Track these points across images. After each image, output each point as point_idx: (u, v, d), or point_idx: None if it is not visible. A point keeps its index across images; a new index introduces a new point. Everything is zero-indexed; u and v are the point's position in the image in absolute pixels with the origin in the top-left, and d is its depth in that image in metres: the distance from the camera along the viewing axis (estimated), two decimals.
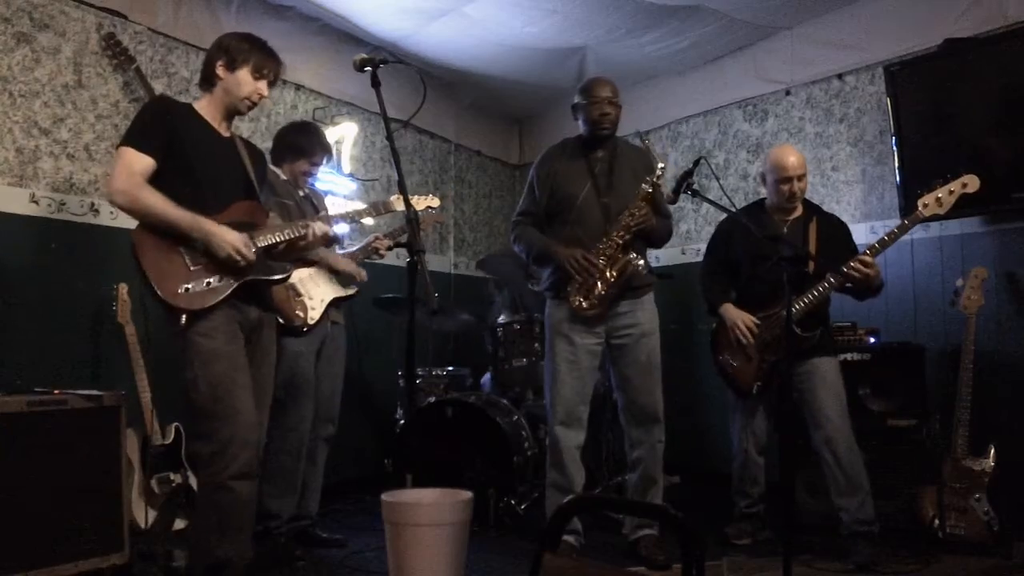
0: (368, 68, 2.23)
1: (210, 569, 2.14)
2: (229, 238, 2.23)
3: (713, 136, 4.71)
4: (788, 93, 4.33)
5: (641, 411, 2.98)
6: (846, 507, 2.89)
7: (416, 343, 2.20)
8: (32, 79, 3.10)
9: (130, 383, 2.96)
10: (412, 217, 2.20)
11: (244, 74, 2.34)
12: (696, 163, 2.72)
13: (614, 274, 2.87)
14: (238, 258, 2.23)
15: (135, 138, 2.22)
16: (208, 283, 2.22)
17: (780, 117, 4.38)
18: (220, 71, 2.34)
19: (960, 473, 2.94)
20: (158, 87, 3.45)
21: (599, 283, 2.87)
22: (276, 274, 2.41)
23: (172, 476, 2.98)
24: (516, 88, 5.03)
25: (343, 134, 4.42)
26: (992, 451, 2.93)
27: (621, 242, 2.86)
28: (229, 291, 2.24)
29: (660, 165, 2.87)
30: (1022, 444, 3.04)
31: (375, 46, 4.29)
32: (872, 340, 3.41)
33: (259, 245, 2.33)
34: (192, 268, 2.21)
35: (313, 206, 3.20)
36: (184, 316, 2.16)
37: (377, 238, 3.36)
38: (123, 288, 3.07)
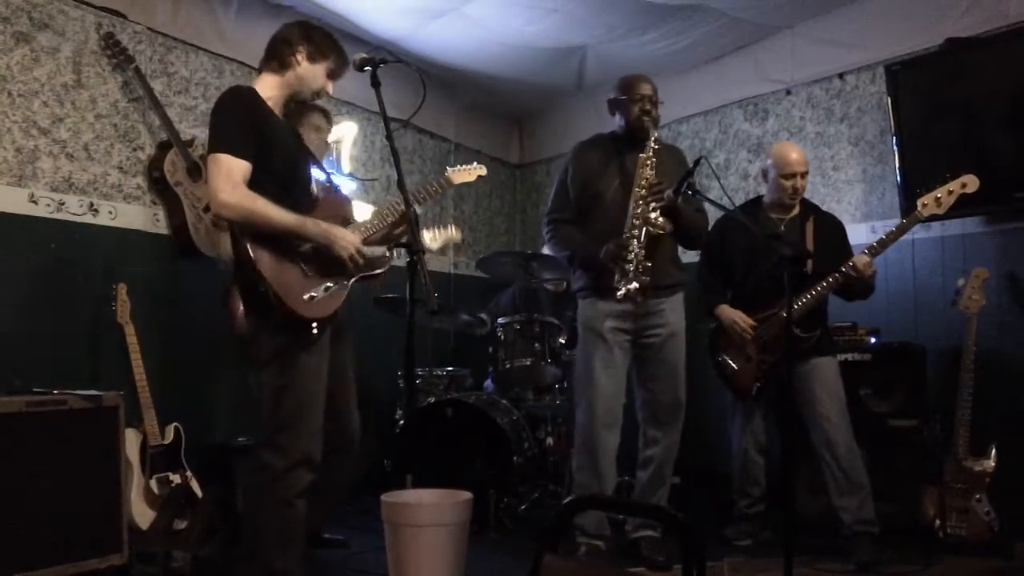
0: (368, 68, 2.23)
1: None
2: (350, 239, 2.16)
3: (714, 136, 4.70)
4: (789, 92, 4.32)
5: (663, 410, 2.97)
6: (847, 507, 2.89)
7: (416, 343, 2.20)
8: (31, 79, 3.09)
9: (130, 383, 2.96)
10: (412, 217, 2.19)
11: (321, 69, 2.29)
12: (697, 163, 2.71)
13: (643, 247, 2.68)
14: (360, 259, 2.17)
15: (230, 142, 2.07)
16: (327, 287, 2.13)
17: (781, 117, 4.37)
18: (300, 58, 2.26)
19: (961, 473, 2.93)
20: (157, 87, 3.45)
21: (634, 261, 2.66)
22: (381, 267, 2.33)
23: (171, 476, 2.98)
24: (516, 87, 5.02)
25: (343, 134, 4.41)
26: (993, 451, 2.92)
27: (641, 213, 2.69)
28: (346, 293, 2.17)
29: (654, 135, 2.79)
30: (1023, 444, 3.03)
31: (375, 45, 4.28)
32: (873, 340, 3.40)
33: (365, 240, 2.25)
34: (309, 274, 2.13)
35: None
36: (316, 326, 2.06)
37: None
38: (122, 288, 3.07)
